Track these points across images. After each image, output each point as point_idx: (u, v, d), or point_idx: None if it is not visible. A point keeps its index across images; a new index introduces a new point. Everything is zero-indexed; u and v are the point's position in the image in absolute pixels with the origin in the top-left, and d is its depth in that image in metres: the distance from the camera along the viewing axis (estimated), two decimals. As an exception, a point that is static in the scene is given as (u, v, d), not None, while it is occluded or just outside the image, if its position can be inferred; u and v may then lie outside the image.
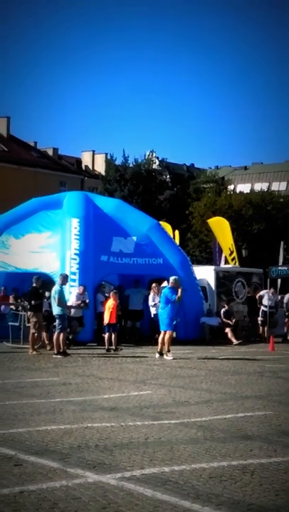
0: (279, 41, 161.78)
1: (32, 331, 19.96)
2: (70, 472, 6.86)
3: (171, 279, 20.16)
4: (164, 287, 26.63)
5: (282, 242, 35.02)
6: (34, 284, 20.47)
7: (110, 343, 20.82)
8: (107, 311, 21.11)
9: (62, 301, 19.48)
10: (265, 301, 26.62)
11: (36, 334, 20.00)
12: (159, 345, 19.51)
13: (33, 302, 20.21)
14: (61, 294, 19.51)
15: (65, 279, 20.12)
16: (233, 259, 30.85)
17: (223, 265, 30.68)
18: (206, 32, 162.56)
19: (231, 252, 31.06)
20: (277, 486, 6.48)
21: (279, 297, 28.69)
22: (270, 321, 26.66)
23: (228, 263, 30.62)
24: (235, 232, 45.08)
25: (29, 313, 20.52)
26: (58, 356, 18.87)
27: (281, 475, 6.89)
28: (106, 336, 20.97)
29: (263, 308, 26.45)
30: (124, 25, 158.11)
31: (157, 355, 19.28)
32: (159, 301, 20.91)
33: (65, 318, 19.66)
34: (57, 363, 17.71)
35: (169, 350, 19.28)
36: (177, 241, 33.21)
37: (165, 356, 19.21)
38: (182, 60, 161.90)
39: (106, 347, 20.82)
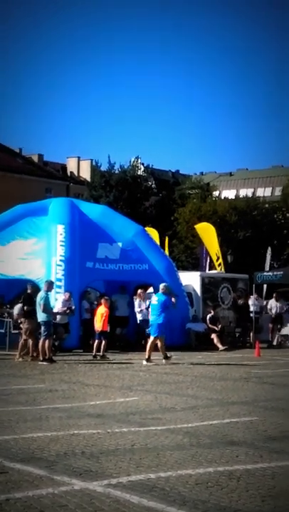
0: (267, 44, 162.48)
1: (24, 337, 19.91)
2: (56, 479, 6.85)
3: (162, 285, 20.36)
4: (150, 293, 26.76)
5: (269, 249, 35.04)
6: (28, 291, 20.44)
7: (98, 350, 20.78)
8: (100, 318, 20.97)
9: (47, 308, 19.46)
10: (250, 307, 26.86)
11: (25, 341, 19.93)
12: (147, 352, 19.49)
13: (25, 308, 20.19)
14: (46, 300, 19.48)
15: (50, 285, 20.10)
16: (219, 264, 30.95)
17: (207, 271, 30.77)
18: (194, 37, 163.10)
19: (218, 258, 31.17)
20: (264, 492, 6.49)
21: (264, 302, 28.83)
22: (255, 326, 26.78)
23: (215, 269, 30.72)
24: (220, 237, 45.29)
25: (22, 319, 20.49)
26: (44, 363, 18.83)
27: (267, 481, 6.90)
28: (96, 342, 20.91)
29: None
30: (109, 31, 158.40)
31: (144, 362, 19.24)
32: (150, 308, 21.00)
33: (51, 325, 19.63)
34: (43, 369, 17.67)
35: (149, 357, 19.27)
36: (166, 248, 33.29)
37: (163, 361, 19.30)
38: (168, 67, 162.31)
39: (93, 353, 20.77)
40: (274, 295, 28.15)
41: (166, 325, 19.97)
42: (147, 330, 21.52)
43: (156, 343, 19.65)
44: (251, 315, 26.69)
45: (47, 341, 19.21)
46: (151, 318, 20.20)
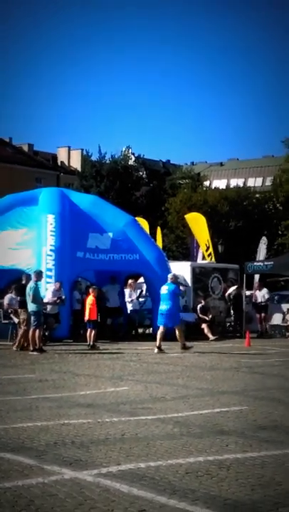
0: (261, 40, 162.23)
1: (23, 327, 19.86)
2: (46, 469, 6.84)
3: (170, 275, 21.06)
4: (141, 283, 26.78)
5: (264, 238, 34.83)
6: (23, 281, 20.41)
7: (91, 339, 20.78)
8: (87, 307, 21.10)
9: (37, 298, 19.43)
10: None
11: (26, 331, 19.87)
12: (158, 340, 19.71)
13: (19, 298, 20.18)
14: (36, 290, 19.45)
15: (39, 275, 20.07)
16: (209, 254, 30.95)
17: (199, 261, 30.77)
18: (184, 29, 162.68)
19: (207, 248, 31.16)
20: (253, 481, 6.50)
21: (247, 293, 28.77)
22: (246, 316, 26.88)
23: (205, 259, 30.74)
24: (211, 228, 45.28)
25: (19, 310, 20.46)
26: (34, 353, 18.82)
27: (257, 470, 6.92)
28: (88, 332, 20.92)
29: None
30: (98, 22, 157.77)
31: (155, 350, 19.52)
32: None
33: (41, 315, 19.62)
34: (33, 359, 17.66)
35: (184, 345, 19.81)
36: (159, 238, 33.25)
37: (182, 349, 19.66)
38: (158, 57, 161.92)
39: (88, 343, 20.75)
40: (256, 285, 28.08)
41: (178, 313, 20.55)
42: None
43: (176, 332, 20.00)
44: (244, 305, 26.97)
45: (37, 331, 19.19)
46: (161, 307, 20.36)
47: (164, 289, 20.47)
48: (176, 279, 20.81)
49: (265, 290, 28.01)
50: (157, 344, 19.64)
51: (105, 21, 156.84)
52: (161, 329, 19.97)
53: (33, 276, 19.95)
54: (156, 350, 19.55)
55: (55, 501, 5.85)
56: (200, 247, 32.15)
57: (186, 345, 19.95)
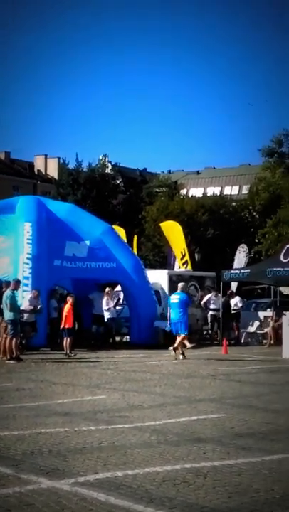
0: (242, 45, 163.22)
1: (4, 335, 19.73)
2: (23, 478, 6.81)
3: (180, 284, 21.62)
4: (118, 291, 26.78)
5: (244, 246, 34.45)
6: (4, 289, 20.30)
7: (68, 348, 20.73)
8: (64, 316, 21.12)
9: (14, 307, 19.36)
10: (211, 305, 27.04)
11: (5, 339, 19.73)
12: (179, 348, 20.33)
13: (1, 306, 20.08)
14: (13, 299, 19.39)
15: (17, 284, 20.00)
16: (184, 263, 30.95)
17: (176, 269, 30.79)
18: (159, 33, 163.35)
19: (183, 256, 31.17)
20: (230, 489, 6.52)
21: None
22: (222, 324, 26.92)
23: (180, 267, 30.75)
24: (188, 236, 45.33)
25: (0, 318, 20.34)
26: (11, 362, 18.72)
27: (234, 477, 6.94)
28: (64, 340, 20.88)
29: (210, 312, 26.97)
30: (78, 26, 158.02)
31: (181, 356, 20.17)
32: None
33: (17, 324, 19.54)
34: (10, 368, 17.57)
35: (183, 353, 20.32)
36: (134, 246, 33.24)
37: (181, 357, 20.15)
38: (135, 64, 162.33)
39: (65, 351, 20.70)
40: (227, 293, 28.04)
41: (187, 321, 21.02)
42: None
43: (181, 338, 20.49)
44: (212, 312, 27.08)
45: (14, 340, 19.11)
46: (172, 315, 20.83)
47: (175, 299, 20.87)
48: (185, 288, 21.71)
49: (237, 298, 28.08)
50: (180, 351, 20.28)
51: (84, 30, 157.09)
52: (178, 337, 20.53)
53: (10, 285, 19.86)
54: (181, 357, 20.15)
55: (32, 511, 5.83)
56: (176, 255, 32.14)
57: (183, 352, 20.38)
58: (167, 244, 34.55)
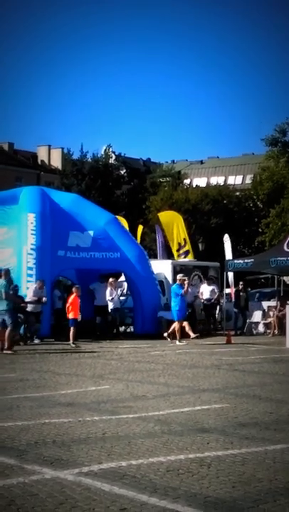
0: (244, 42, 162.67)
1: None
2: (27, 469, 6.83)
3: (179, 276, 23.72)
4: (122, 282, 26.77)
5: (226, 236, 33.50)
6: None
7: (74, 338, 20.77)
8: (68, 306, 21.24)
9: (8, 295, 19.17)
10: (205, 295, 26.76)
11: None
12: (178, 335, 22.55)
13: None
14: (6, 287, 19.18)
15: (6, 273, 19.77)
16: (185, 252, 30.73)
17: (162, 259, 30.18)
18: (168, 23, 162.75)
19: (182, 247, 30.95)
20: (234, 478, 6.53)
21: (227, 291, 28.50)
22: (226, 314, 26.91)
23: (175, 258, 30.44)
24: (193, 225, 45.24)
25: None
26: (9, 352, 18.64)
27: (238, 467, 6.95)
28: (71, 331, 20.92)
29: (204, 302, 26.72)
30: (83, 19, 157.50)
31: (177, 342, 22.21)
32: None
33: (13, 312, 19.37)
34: (13, 359, 17.60)
35: (180, 338, 22.42)
36: (139, 236, 33.15)
37: (178, 342, 22.09)
38: (137, 54, 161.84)
39: (71, 342, 20.73)
40: (205, 281, 27.57)
41: (183, 308, 23.10)
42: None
43: (181, 325, 22.80)
44: (206, 302, 26.84)
45: (9, 330, 18.92)
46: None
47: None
48: (182, 279, 23.32)
49: (208, 287, 27.24)
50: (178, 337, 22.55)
51: (89, 21, 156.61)
52: (175, 324, 22.85)
53: (2, 275, 19.65)
54: (178, 342, 22.26)
55: (35, 501, 5.84)
56: (172, 246, 31.77)
57: (180, 339, 22.43)
58: (158, 234, 33.93)
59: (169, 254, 32.18)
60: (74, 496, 5.98)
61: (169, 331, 22.99)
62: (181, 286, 23.10)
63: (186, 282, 23.29)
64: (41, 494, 6.02)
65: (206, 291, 26.98)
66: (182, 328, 23.59)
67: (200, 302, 27.08)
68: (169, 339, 22.78)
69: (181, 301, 22.93)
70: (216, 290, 27.16)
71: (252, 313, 27.95)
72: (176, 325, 22.78)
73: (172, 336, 22.77)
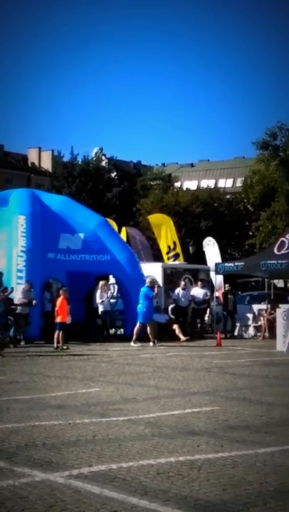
0: (233, 42, 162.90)
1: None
2: (17, 471, 6.81)
3: (148, 279, 23.65)
4: (112, 284, 26.75)
5: (211, 238, 32.18)
6: None
7: (58, 341, 20.72)
8: (57, 309, 21.18)
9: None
10: (198, 298, 26.77)
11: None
12: (134, 335, 22.50)
13: None
14: None
15: None
16: (175, 255, 30.73)
17: (149, 263, 30.12)
18: (157, 24, 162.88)
19: (172, 249, 30.95)
20: (224, 481, 6.53)
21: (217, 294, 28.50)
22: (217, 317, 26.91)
23: (164, 261, 30.42)
24: (183, 228, 45.30)
25: None
26: None
27: (228, 470, 6.94)
28: (56, 333, 20.87)
29: (193, 305, 26.66)
30: (75, 18, 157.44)
31: (151, 343, 22.31)
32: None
33: (2, 315, 19.33)
34: (4, 361, 17.55)
35: (136, 340, 22.38)
36: (124, 238, 33.13)
37: (132, 343, 22.23)
38: (127, 56, 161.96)
39: (60, 344, 20.70)
40: (198, 283, 27.50)
41: (151, 311, 23.09)
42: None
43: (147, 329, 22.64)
44: (195, 306, 26.77)
45: None
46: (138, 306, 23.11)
47: (141, 291, 23.05)
48: (152, 282, 23.45)
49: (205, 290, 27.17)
50: (133, 338, 22.44)
51: (88, 21, 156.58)
52: (136, 326, 22.74)
53: None
54: (132, 343, 22.25)
55: (25, 503, 5.82)
56: (162, 248, 31.73)
57: (155, 342, 22.34)
58: (138, 237, 33.88)
59: (155, 257, 32.16)
60: (64, 498, 5.96)
61: (134, 338, 22.51)
62: (152, 289, 23.11)
63: (156, 286, 23.55)
64: (31, 497, 6.00)
65: (198, 294, 26.90)
66: (172, 331, 23.65)
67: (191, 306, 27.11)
68: (152, 344, 22.38)
69: (149, 304, 22.96)
70: (208, 293, 27.16)
71: (242, 316, 27.94)
72: (137, 326, 22.65)
73: (156, 340, 22.49)
